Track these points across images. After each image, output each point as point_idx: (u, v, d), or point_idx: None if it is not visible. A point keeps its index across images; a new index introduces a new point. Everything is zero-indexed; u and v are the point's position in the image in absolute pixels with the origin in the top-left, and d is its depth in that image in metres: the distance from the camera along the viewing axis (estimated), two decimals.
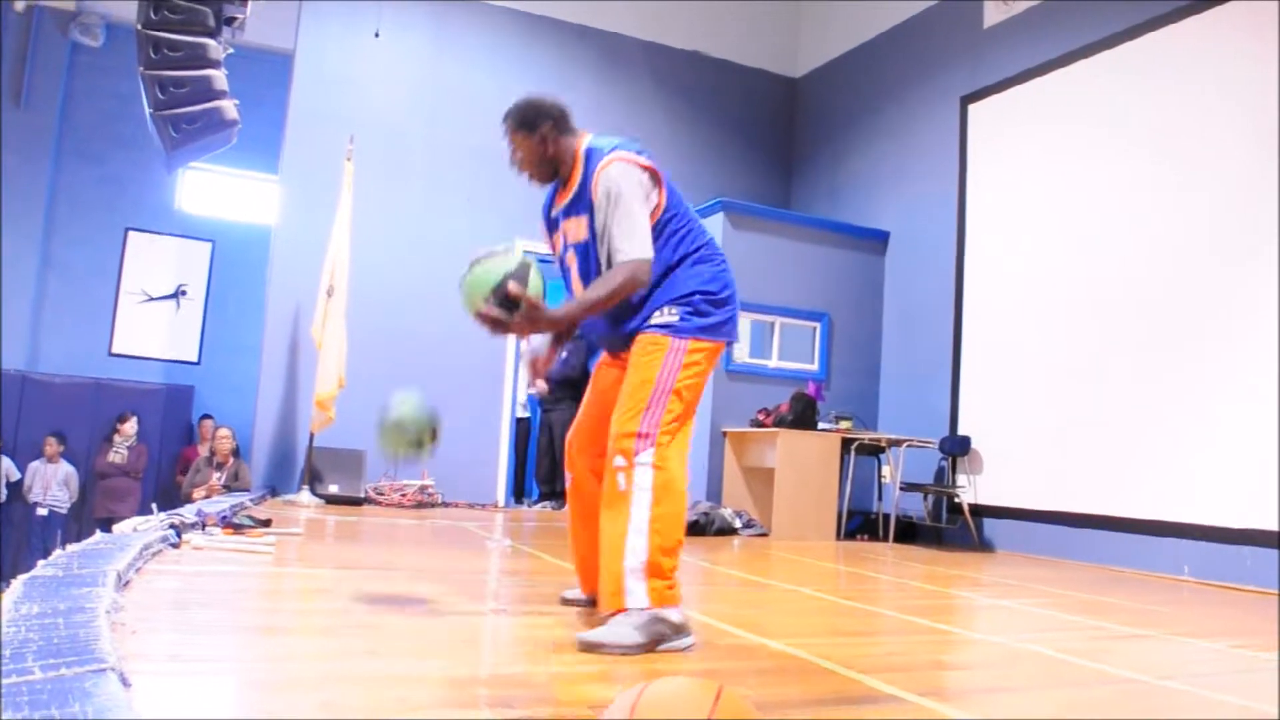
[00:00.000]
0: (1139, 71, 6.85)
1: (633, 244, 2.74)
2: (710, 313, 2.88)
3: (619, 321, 2.91)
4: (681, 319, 2.83)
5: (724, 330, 2.93)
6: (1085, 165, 7.18)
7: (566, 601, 3.29)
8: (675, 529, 2.70)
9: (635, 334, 2.87)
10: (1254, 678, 2.97)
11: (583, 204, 2.90)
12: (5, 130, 10.22)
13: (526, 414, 9.97)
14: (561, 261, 3.08)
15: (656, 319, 2.84)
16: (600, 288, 2.72)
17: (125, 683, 1.69)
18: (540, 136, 2.92)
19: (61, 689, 1.58)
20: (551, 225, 3.12)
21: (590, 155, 2.91)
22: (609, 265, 2.80)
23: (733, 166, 10.30)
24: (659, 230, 2.88)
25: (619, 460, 2.70)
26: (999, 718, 2.19)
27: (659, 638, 2.58)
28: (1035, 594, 4.85)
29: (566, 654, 2.53)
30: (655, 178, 2.90)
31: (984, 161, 8.17)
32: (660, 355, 2.79)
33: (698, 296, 2.87)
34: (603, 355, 3.19)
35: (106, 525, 4.11)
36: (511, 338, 8.66)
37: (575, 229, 2.95)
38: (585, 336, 3.23)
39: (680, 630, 2.64)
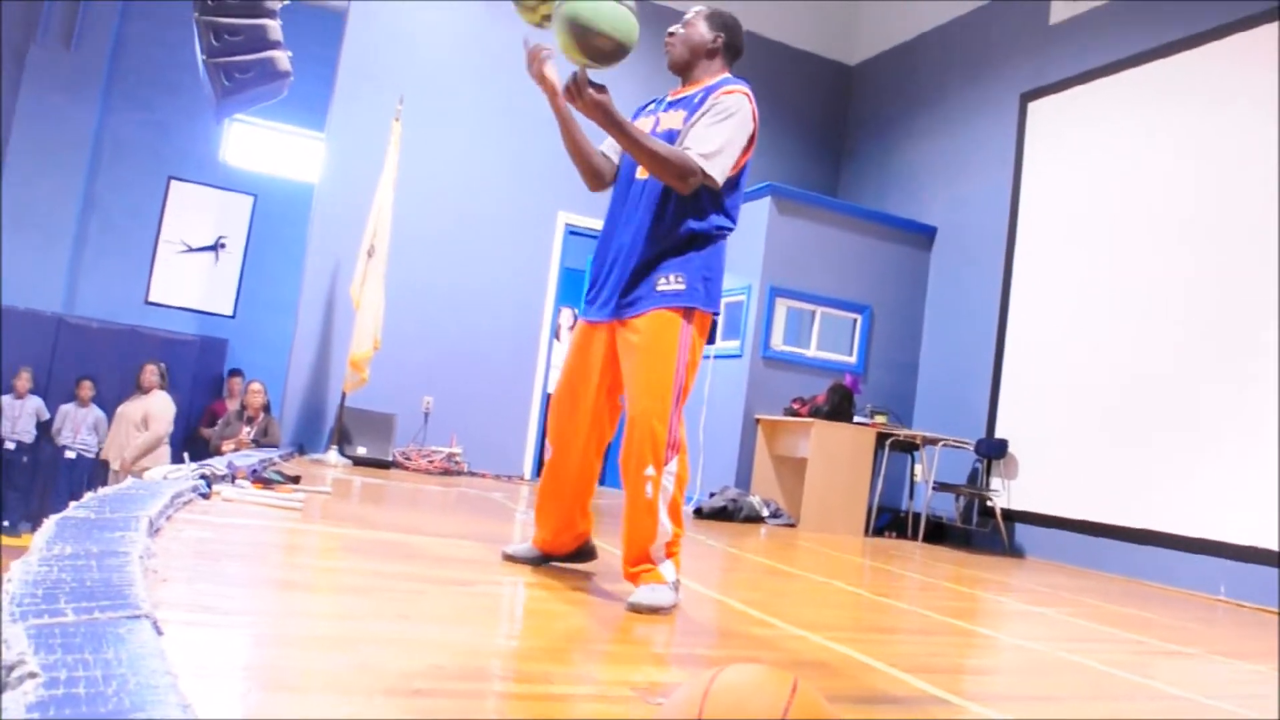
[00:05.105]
0: (1211, 79, 6.65)
1: (709, 159, 2.84)
2: (708, 287, 2.96)
3: (635, 279, 2.93)
4: (689, 287, 2.91)
5: (715, 301, 3.01)
6: (1146, 171, 6.99)
7: (510, 558, 3.34)
8: (682, 495, 2.95)
9: (641, 306, 2.90)
10: None
11: (692, 107, 2.99)
12: (54, 71, 10.24)
13: None
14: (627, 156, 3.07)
15: (663, 285, 2.90)
16: (659, 145, 2.82)
17: (158, 630, 1.63)
18: (714, 38, 3.09)
19: (95, 633, 1.53)
20: (640, 113, 3.23)
21: (724, 81, 3.03)
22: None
23: (781, 151, 10.14)
24: (731, 186, 2.98)
25: (649, 470, 2.85)
26: None
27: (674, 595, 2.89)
28: (1067, 603, 4.75)
29: (600, 633, 2.47)
30: (753, 138, 3.00)
31: (1041, 161, 7.98)
32: (674, 345, 2.87)
33: (703, 274, 2.95)
34: (583, 321, 3.12)
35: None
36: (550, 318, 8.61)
37: (670, 119, 3.03)
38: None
39: (678, 588, 2.94)
